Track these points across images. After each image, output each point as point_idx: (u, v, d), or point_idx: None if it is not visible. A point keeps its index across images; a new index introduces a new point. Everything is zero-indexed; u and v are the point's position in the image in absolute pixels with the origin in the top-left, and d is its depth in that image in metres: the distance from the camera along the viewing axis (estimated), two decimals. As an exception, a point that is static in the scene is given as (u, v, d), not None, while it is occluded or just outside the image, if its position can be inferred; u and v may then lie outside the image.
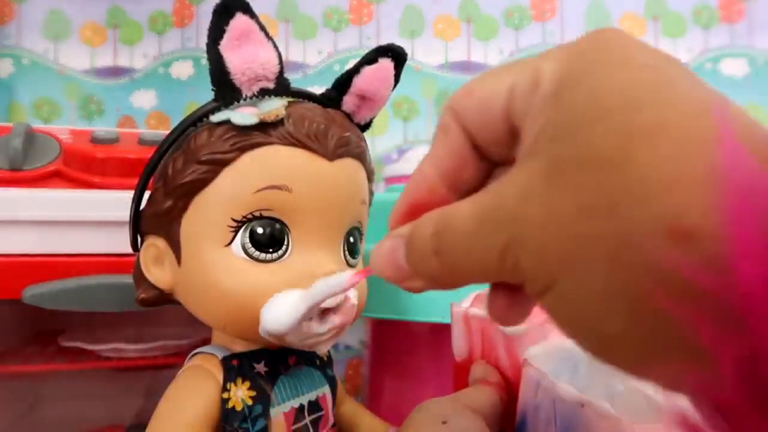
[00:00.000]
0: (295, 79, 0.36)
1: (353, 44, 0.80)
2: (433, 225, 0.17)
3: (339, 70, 0.69)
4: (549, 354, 0.27)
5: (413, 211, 0.19)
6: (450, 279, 0.18)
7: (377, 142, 0.79)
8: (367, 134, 0.37)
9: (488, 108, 0.18)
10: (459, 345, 0.34)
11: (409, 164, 0.65)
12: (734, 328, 0.12)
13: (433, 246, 0.17)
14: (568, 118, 0.15)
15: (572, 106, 0.15)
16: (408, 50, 0.36)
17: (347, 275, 0.27)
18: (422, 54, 0.80)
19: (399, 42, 0.35)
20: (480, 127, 0.18)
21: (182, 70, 0.80)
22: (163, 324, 0.52)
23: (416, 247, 0.18)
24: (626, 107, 0.14)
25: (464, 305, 0.34)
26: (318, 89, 0.35)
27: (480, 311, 0.32)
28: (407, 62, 0.36)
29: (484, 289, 0.34)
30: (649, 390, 0.23)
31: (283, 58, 0.32)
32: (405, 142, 0.80)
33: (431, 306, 0.47)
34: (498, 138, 0.18)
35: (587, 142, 0.14)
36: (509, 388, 0.30)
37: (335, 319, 0.31)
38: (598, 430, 0.22)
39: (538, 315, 0.31)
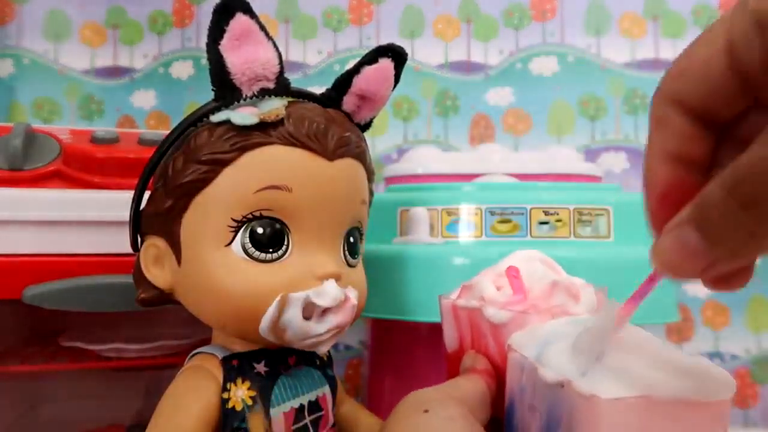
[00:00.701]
0: (295, 79, 0.36)
1: (353, 44, 0.80)
2: (724, 187, 0.17)
3: (339, 70, 0.69)
4: (531, 339, 0.27)
5: (667, 206, 0.19)
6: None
7: (377, 142, 0.79)
8: (367, 134, 0.37)
9: (709, 74, 0.18)
10: (449, 336, 0.34)
11: (409, 164, 0.64)
12: None
13: (739, 201, 0.16)
14: None
15: None
16: (408, 50, 0.36)
17: (616, 310, 0.23)
18: (422, 54, 0.80)
19: (399, 42, 0.35)
20: (706, 96, 0.18)
21: (182, 70, 0.80)
22: (163, 324, 0.52)
23: (714, 214, 0.17)
24: None
25: (452, 297, 0.34)
26: (318, 89, 0.35)
27: (467, 302, 0.32)
28: (407, 62, 0.36)
29: (471, 279, 0.34)
30: (630, 364, 0.23)
31: (283, 58, 0.32)
32: (405, 142, 0.80)
33: (431, 306, 0.47)
34: (729, 95, 0.18)
35: None
36: (498, 374, 0.30)
37: (334, 319, 0.31)
38: (578, 407, 0.22)
39: (520, 303, 0.31)
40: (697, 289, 0.77)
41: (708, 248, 0.17)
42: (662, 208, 0.20)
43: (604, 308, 0.26)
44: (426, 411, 0.26)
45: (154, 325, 0.51)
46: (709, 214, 0.17)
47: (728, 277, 0.19)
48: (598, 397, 0.21)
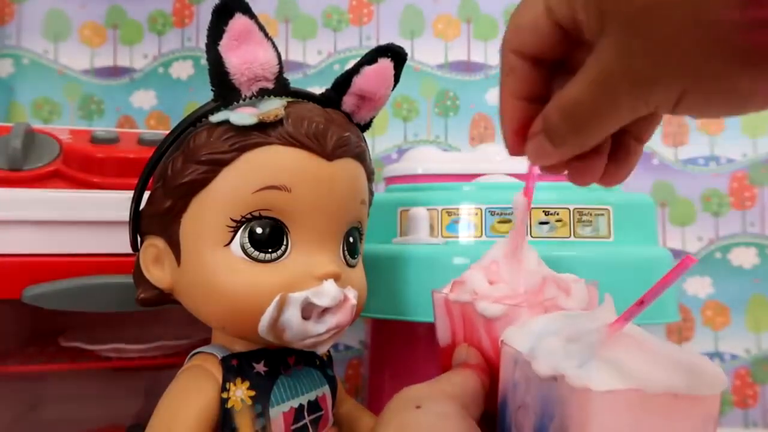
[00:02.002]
0: (295, 79, 0.36)
1: (353, 44, 0.80)
2: (556, 111, 0.24)
3: (339, 70, 0.69)
4: (525, 334, 0.27)
5: (520, 135, 0.26)
6: (585, 126, 0.23)
7: (377, 142, 0.79)
8: (367, 134, 0.37)
9: (537, 30, 0.24)
10: (442, 331, 0.34)
11: (409, 164, 0.64)
12: None
13: (566, 120, 0.23)
14: None
15: None
16: (408, 50, 0.36)
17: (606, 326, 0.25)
18: (422, 54, 0.80)
19: (399, 42, 0.35)
20: (539, 46, 0.24)
21: (182, 70, 0.80)
22: (163, 324, 0.52)
23: (554, 129, 0.24)
24: None
25: (444, 291, 0.34)
26: (318, 89, 0.35)
27: (459, 296, 0.32)
28: (407, 62, 0.36)
29: (462, 274, 0.34)
30: (621, 357, 0.23)
31: (283, 58, 0.32)
32: (405, 142, 0.80)
33: (431, 306, 0.47)
34: (554, 43, 0.24)
35: None
36: (492, 368, 0.30)
37: (333, 319, 0.31)
38: (570, 400, 0.22)
39: (514, 297, 0.31)
40: (697, 289, 0.77)
41: (555, 149, 0.25)
42: (517, 136, 0.26)
43: (597, 310, 0.26)
44: (418, 407, 0.26)
45: (154, 325, 0.51)
46: (552, 129, 0.24)
47: (583, 172, 0.27)
48: (589, 389, 0.21)
